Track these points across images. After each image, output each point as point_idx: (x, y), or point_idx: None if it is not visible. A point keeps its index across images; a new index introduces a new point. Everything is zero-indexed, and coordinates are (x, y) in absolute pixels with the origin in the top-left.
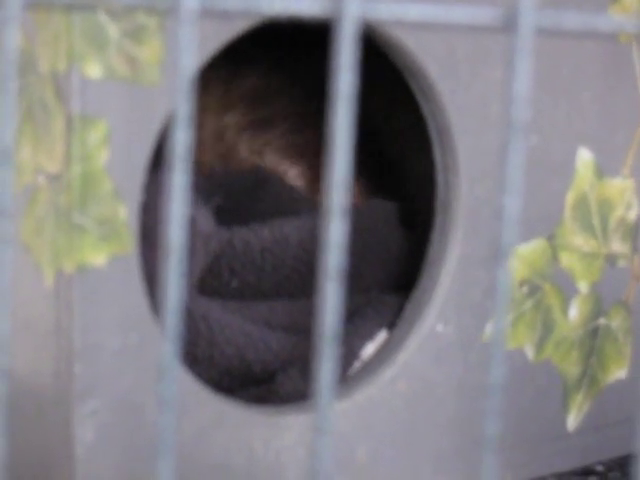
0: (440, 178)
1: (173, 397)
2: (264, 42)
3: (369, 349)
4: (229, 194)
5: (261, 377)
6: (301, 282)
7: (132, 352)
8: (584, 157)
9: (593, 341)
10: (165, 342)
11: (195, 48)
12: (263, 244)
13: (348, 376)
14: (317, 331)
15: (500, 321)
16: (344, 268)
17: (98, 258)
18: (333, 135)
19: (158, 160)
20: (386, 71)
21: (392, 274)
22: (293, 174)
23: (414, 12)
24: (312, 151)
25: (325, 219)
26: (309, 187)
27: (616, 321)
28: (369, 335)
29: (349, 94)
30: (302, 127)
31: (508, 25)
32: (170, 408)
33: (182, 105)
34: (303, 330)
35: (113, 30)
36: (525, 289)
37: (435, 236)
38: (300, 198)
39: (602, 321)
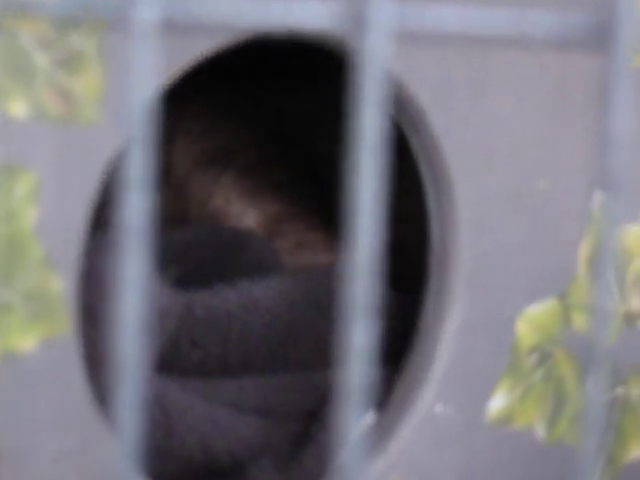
0: (435, 229)
1: None
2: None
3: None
4: (187, 258)
5: (229, 469)
6: (271, 355)
7: (73, 456)
8: (601, 201)
9: (610, 414)
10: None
11: (152, 74)
12: (228, 309)
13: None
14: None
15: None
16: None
17: (27, 342)
18: (354, 200)
19: (100, 219)
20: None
21: (380, 344)
22: (249, 218)
23: (474, 20)
24: (271, 194)
25: (345, 321)
26: (267, 234)
27: (636, 390)
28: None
29: (376, 141)
30: (262, 165)
31: (602, 40)
32: None
33: (136, 149)
34: (277, 412)
35: (41, 58)
36: (534, 357)
37: (430, 299)
38: (269, 256)
39: (620, 391)
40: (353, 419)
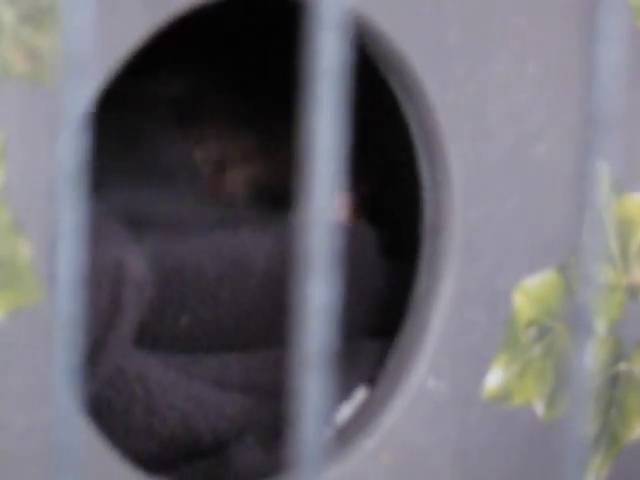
0: (428, 197)
1: None
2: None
3: (345, 412)
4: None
5: (213, 448)
6: (264, 323)
7: (42, 431)
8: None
9: (613, 391)
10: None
11: (91, 25)
12: (219, 267)
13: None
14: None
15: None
16: (331, 347)
17: None
18: (311, 152)
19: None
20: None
21: (371, 316)
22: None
23: None
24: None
25: (303, 278)
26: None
27: (639, 366)
28: (345, 394)
29: (336, 69)
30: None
31: None
32: None
33: (73, 103)
34: (262, 389)
35: (7, 14)
36: (533, 331)
37: (423, 269)
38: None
39: (623, 366)
40: (313, 384)
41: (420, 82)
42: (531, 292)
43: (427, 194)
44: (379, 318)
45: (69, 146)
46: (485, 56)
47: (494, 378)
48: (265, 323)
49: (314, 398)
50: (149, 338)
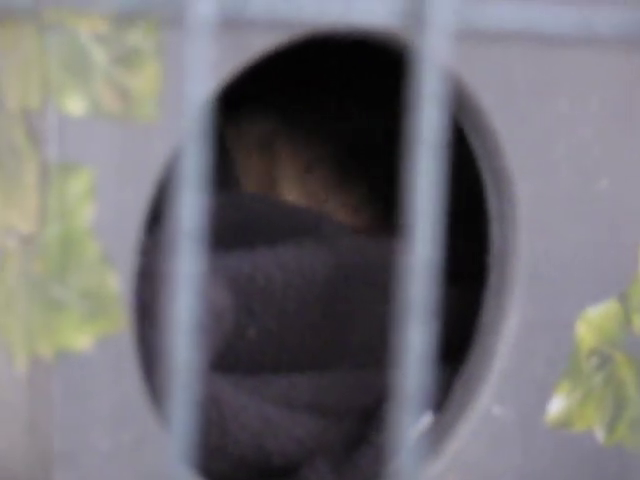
0: (495, 229)
1: None
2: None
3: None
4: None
5: (283, 468)
6: (327, 339)
7: (126, 454)
8: None
9: None
10: (170, 443)
11: (208, 70)
12: (286, 277)
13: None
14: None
15: None
16: (425, 387)
17: (82, 340)
18: (412, 199)
19: (157, 216)
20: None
21: (439, 344)
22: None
23: (535, 18)
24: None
25: (401, 322)
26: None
27: None
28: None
29: (434, 139)
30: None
31: None
32: None
33: (191, 148)
34: (330, 411)
35: (99, 55)
36: (594, 360)
37: (490, 298)
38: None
39: None
40: (409, 421)
41: (489, 120)
42: (593, 321)
43: (494, 226)
44: (446, 346)
45: (189, 204)
46: (550, 94)
47: (557, 405)
48: (328, 339)
49: (409, 437)
50: (221, 364)
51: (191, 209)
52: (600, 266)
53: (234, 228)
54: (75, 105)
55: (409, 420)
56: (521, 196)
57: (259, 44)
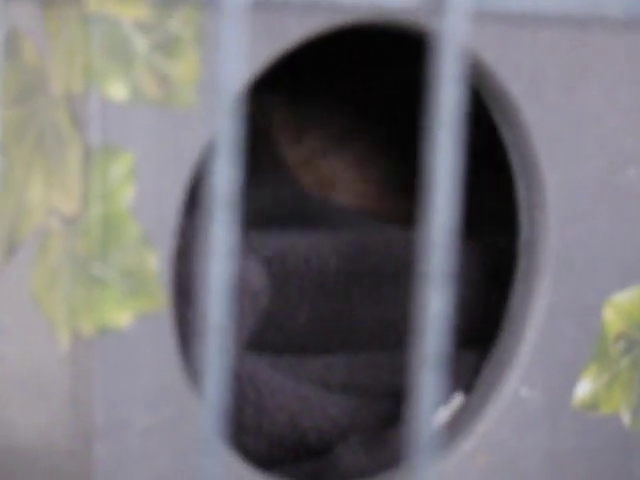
0: (524, 217)
1: None
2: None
3: (443, 415)
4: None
5: (317, 447)
6: (373, 323)
7: (165, 429)
8: None
9: None
10: (205, 418)
11: (242, 56)
12: (338, 262)
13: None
14: (408, 428)
15: None
16: (445, 351)
17: (123, 317)
18: (431, 175)
19: (195, 198)
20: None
21: (469, 326)
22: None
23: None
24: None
25: (422, 289)
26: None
27: None
28: (443, 399)
29: (453, 120)
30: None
31: None
32: None
33: (225, 132)
34: (364, 390)
35: (140, 42)
36: (621, 345)
37: (519, 284)
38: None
39: None
40: (430, 385)
41: (518, 109)
42: (620, 307)
43: (523, 214)
44: (476, 329)
45: (223, 171)
46: (579, 85)
47: (584, 388)
48: (368, 321)
49: (429, 397)
50: (264, 338)
51: (225, 178)
52: (627, 253)
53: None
54: (117, 91)
55: (430, 384)
56: (550, 184)
57: (296, 31)
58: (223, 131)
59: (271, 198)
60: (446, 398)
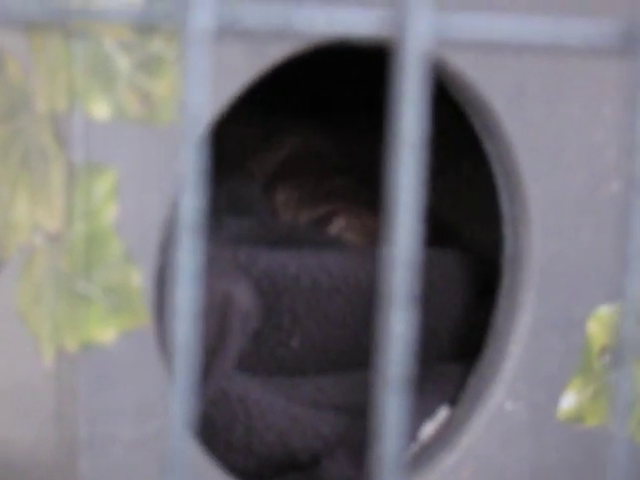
0: (507, 230)
1: None
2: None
3: (429, 429)
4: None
5: (306, 464)
6: (366, 344)
7: (149, 444)
8: None
9: None
10: (173, 436)
11: (208, 80)
12: (331, 284)
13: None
14: (376, 451)
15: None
16: (409, 373)
17: (107, 333)
18: (395, 196)
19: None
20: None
21: (454, 340)
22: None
23: (504, 28)
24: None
25: (385, 309)
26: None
27: None
28: (429, 412)
29: (415, 140)
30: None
31: (628, 46)
32: None
33: (191, 156)
34: (354, 408)
35: (123, 61)
36: (607, 358)
37: (503, 298)
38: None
39: None
40: (393, 407)
41: (501, 123)
42: (605, 321)
43: (507, 228)
44: (461, 342)
45: (189, 199)
46: (562, 99)
47: (568, 401)
48: (367, 344)
49: (394, 419)
50: (251, 361)
51: (191, 205)
52: (611, 266)
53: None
54: (100, 109)
55: (393, 405)
56: (533, 198)
57: (273, 54)
58: (188, 159)
59: (255, 222)
60: (432, 411)
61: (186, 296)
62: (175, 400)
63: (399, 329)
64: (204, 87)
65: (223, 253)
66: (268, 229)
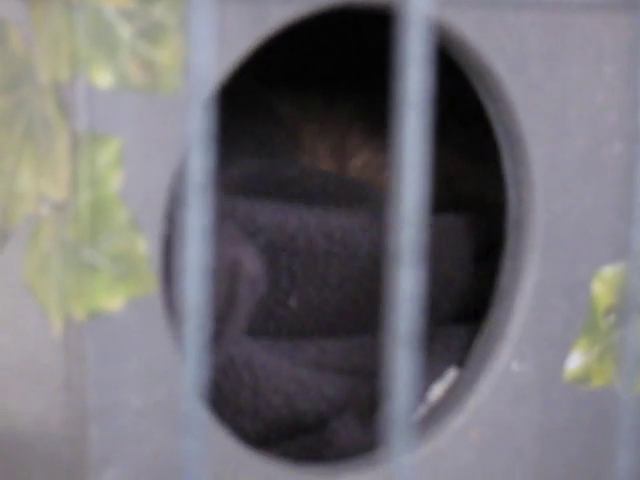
0: (511, 193)
1: (200, 460)
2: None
3: (437, 390)
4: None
5: (314, 427)
6: (365, 308)
7: (158, 411)
8: None
9: None
10: (186, 397)
11: (212, 41)
12: (329, 247)
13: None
14: (386, 409)
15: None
16: (418, 329)
17: (114, 301)
18: (400, 154)
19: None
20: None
21: (461, 302)
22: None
23: None
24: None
25: (392, 267)
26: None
27: None
28: (437, 374)
29: (419, 97)
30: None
31: (630, 1)
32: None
33: (197, 118)
34: (358, 371)
35: (125, 29)
36: (612, 318)
37: (508, 260)
38: (364, 189)
39: None
40: (403, 363)
41: (502, 86)
42: (609, 281)
43: (510, 190)
44: (468, 304)
45: (197, 159)
46: (563, 61)
47: (575, 362)
48: (365, 308)
49: (404, 376)
50: (257, 324)
51: (198, 166)
52: (614, 227)
53: (281, 190)
54: (103, 78)
55: (402, 360)
56: (536, 160)
57: (278, 16)
58: (196, 120)
59: (264, 167)
60: (440, 373)
61: (195, 255)
62: (186, 357)
63: (408, 285)
64: (209, 49)
65: (230, 225)
66: (280, 172)
